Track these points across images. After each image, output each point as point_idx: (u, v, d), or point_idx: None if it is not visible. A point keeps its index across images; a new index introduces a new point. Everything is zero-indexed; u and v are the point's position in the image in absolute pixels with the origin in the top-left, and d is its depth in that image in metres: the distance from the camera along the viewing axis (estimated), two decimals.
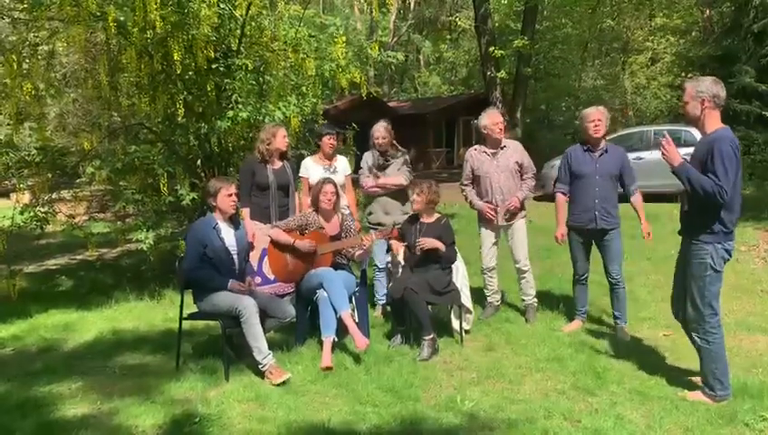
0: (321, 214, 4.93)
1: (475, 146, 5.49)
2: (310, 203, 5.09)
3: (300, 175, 5.52)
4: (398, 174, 5.48)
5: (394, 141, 5.59)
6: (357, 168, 5.75)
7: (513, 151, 5.31)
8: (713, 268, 3.61)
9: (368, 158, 5.59)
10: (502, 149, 5.29)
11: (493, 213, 5.23)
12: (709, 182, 3.44)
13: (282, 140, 5.16)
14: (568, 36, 24.60)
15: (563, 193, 5.07)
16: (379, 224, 5.43)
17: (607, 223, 4.83)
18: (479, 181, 5.34)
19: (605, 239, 4.88)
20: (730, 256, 3.67)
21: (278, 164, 5.22)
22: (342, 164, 5.64)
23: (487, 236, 5.42)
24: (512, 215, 5.28)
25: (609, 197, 4.84)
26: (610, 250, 4.88)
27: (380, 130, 5.50)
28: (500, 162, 5.26)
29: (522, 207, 5.35)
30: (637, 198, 4.93)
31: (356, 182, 5.80)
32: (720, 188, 3.41)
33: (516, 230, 5.34)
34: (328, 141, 5.48)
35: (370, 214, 5.58)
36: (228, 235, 4.46)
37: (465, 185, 5.45)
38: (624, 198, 4.93)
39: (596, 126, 4.85)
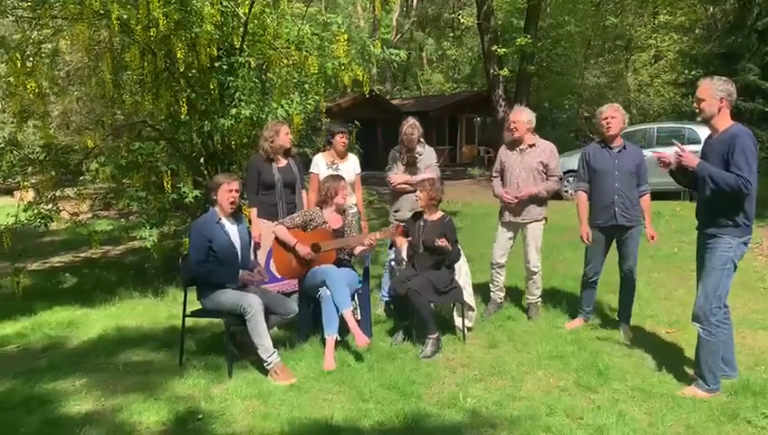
0: (328, 209, 4.94)
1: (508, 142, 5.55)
2: (317, 200, 5.08)
3: (311, 171, 5.54)
4: (426, 171, 5.49)
5: (421, 138, 5.58)
6: (363, 165, 5.75)
7: (542, 152, 5.30)
8: (732, 262, 3.67)
9: (395, 154, 5.62)
10: (531, 147, 5.29)
11: (510, 198, 5.23)
12: (731, 176, 3.50)
13: (285, 137, 5.17)
14: (571, 34, 24.51)
15: (584, 191, 5.05)
16: (405, 220, 5.43)
17: (626, 219, 4.80)
18: (505, 175, 5.40)
19: (625, 237, 4.86)
20: (747, 248, 3.72)
21: (283, 162, 5.23)
22: (353, 162, 5.64)
23: (503, 232, 5.43)
24: (525, 210, 5.26)
25: (629, 193, 4.80)
26: (627, 248, 4.87)
27: (409, 127, 5.49)
28: (525, 159, 5.28)
29: (540, 206, 5.32)
30: (645, 199, 4.91)
31: (365, 180, 5.80)
32: (744, 180, 3.48)
33: (531, 231, 5.33)
34: (340, 139, 5.49)
35: (397, 211, 5.58)
36: (232, 229, 4.48)
37: (494, 177, 5.51)
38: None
39: (608, 123, 4.84)
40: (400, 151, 5.57)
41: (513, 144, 5.35)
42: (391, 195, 5.71)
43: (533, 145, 5.30)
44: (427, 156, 5.58)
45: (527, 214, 5.29)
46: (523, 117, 5.29)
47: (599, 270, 5.07)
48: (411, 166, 5.53)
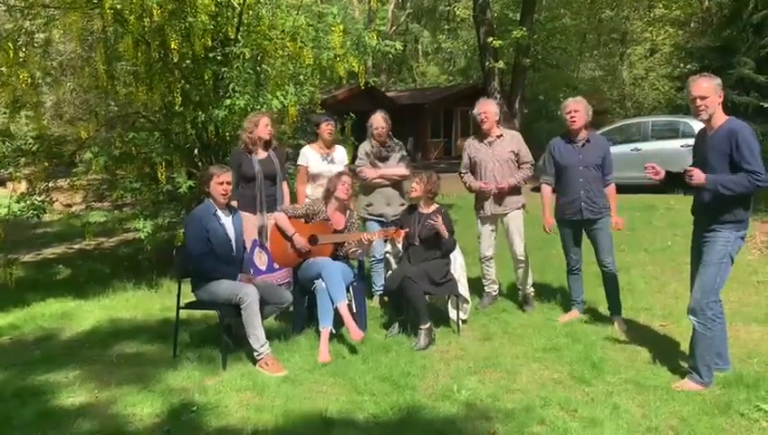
0: (331, 205, 4.92)
1: (473, 136, 5.52)
2: (322, 195, 5.07)
3: (298, 163, 5.51)
4: (399, 164, 5.47)
5: (390, 132, 5.56)
6: (353, 158, 5.72)
7: (510, 141, 5.32)
8: (730, 256, 3.68)
9: (365, 148, 5.56)
10: (499, 138, 5.30)
11: (490, 187, 5.21)
12: (743, 177, 3.52)
13: (264, 128, 5.12)
14: (566, 27, 24.52)
15: (548, 184, 5.12)
16: (381, 215, 5.43)
17: (592, 213, 4.82)
18: (476, 169, 5.37)
19: (593, 229, 4.88)
20: (743, 242, 3.75)
21: (263, 154, 5.19)
22: (340, 154, 5.62)
23: (484, 226, 5.43)
24: (501, 199, 5.27)
25: (594, 186, 4.82)
26: (599, 240, 4.88)
27: (379, 120, 5.47)
28: (495, 151, 5.28)
29: (517, 195, 5.35)
30: (611, 190, 4.90)
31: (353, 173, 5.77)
32: (755, 174, 3.49)
33: (512, 220, 5.34)
34: (326, 129, 5.45)
35: (370, 205, 5.54)
36: (227, 221, 4.48)
37: (464, 173, 5.47)
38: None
39: (572, 117, 4.87)
40: (374, 146, 5.53)
41: (483, 136, 5.34)
42: (362, 189, 5.64)
43: (501, 136, 5.31)
44: (398, 149, 5.56)
45: (507, 204, 5.31)
46: (492, 108, 5.31)
47: (578, 259, 5.10)
48: (384, 160, 5.49)
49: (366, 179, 5.51)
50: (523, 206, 5.41)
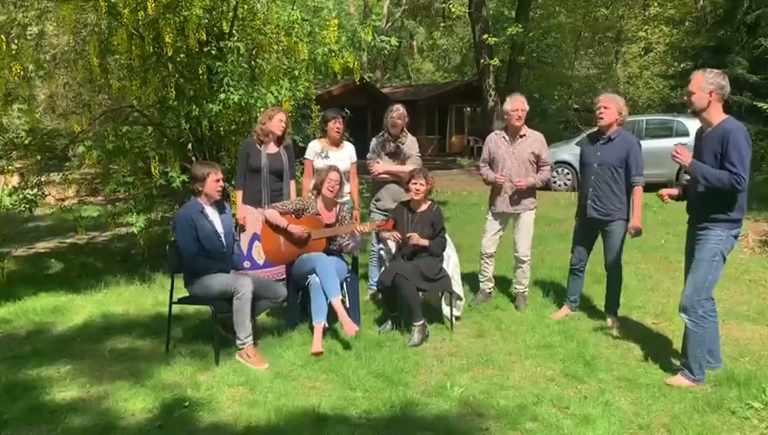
0: (320, 200, 4.92)
1: (497, 130, 5.49)
2: (311, 187, 5.06)
3: (305, 157, 5.51)
4: (408, 161, 5.43)
5: (405, 127, 5.49)
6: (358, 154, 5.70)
7: (533, 142, 5.26)
8: (722, 254, 3.70)
9: (377, 142, 5.53)
10: (521, 137, 5.25)
11: (505, 179, 5.17)
12: (724, 174, 3.52)
13: (277, 123, 5.10)
14: (561, 25, 24.53)
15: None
16: (386, 210, 5.39)
17: (598, 213, 4.76)
18: (494, 165, 5.33)
19: (605, 230, 4.82)
20: (736, 241, 3.76)
21: (274, 148, 5.17)
22: (348, 151, 5.58)
23: (493, 223, 5.41)
24: (518, 200, 5.23)
25: (605, 187, 4.71)
26: (607, 242, 4.84)
27: (394, 114, 5.39)
28: (516, 150, 5.23)
29: (532, 196, 5.31)
30: (635, 192, 4.66)
31: (362, 168, 5.75)
32: (737, 176, 3.49)
33: (523, 221, 5.30)
34: (334, 126, 5.41)
35: (378, 200, 5.51)
36: (215, 218, 4.47)
37: (482, 166, 5.44)
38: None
39: (600, 113, 4.76)
40: (384, 140, 5.50)
41: (510, 133, 5.29)
42: (372, 184, 5.64)
43: (524, 135, 5.26)
44: (410, 146, 5.50)
45: (521, 204, 5.28)
46: (525, 105, 5.24)
47: (582, 259, 5.07)
48: (395, 156, 5.47)
49: (372, 174, 5.49)
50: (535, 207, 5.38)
